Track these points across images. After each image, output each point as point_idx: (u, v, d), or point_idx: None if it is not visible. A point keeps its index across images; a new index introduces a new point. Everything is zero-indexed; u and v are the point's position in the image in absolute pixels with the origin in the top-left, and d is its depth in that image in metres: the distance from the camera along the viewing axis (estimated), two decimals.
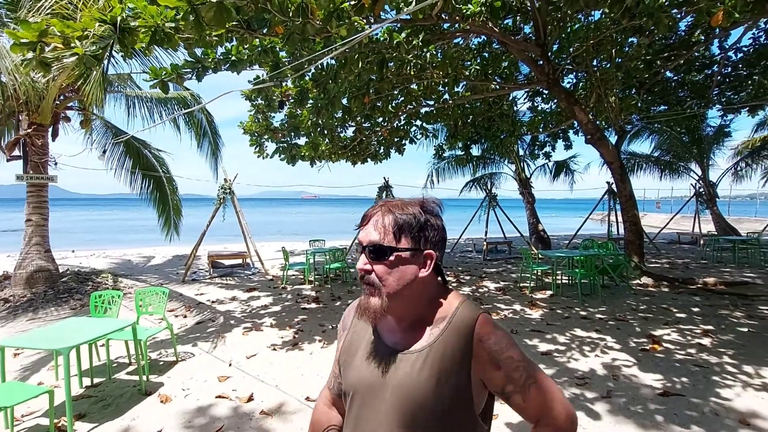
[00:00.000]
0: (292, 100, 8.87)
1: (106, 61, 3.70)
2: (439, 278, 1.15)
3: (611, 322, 5.52)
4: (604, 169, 15.74)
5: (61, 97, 8.28)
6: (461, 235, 14.72)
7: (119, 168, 10.19)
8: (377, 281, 1.07)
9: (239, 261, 10.78)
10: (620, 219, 10.60)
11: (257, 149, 10.06)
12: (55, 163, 8.08)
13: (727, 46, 9.32)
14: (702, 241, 14.57)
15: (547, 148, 15.19)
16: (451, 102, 9.73)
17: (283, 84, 8.05)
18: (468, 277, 9.00)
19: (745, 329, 5.16)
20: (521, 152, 15.61)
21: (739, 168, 15.39)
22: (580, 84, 11.00)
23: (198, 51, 5.44)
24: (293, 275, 9.40)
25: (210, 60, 5.56)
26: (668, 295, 7.02)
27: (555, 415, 1.04)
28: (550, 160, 15.93)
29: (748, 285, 7.64)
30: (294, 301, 7.08)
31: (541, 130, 12.96)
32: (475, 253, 13.23)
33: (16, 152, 7.69)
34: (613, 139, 10.25)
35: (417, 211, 1.07)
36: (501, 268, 10.29)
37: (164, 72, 5.34)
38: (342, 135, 10.57)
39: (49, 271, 7.62)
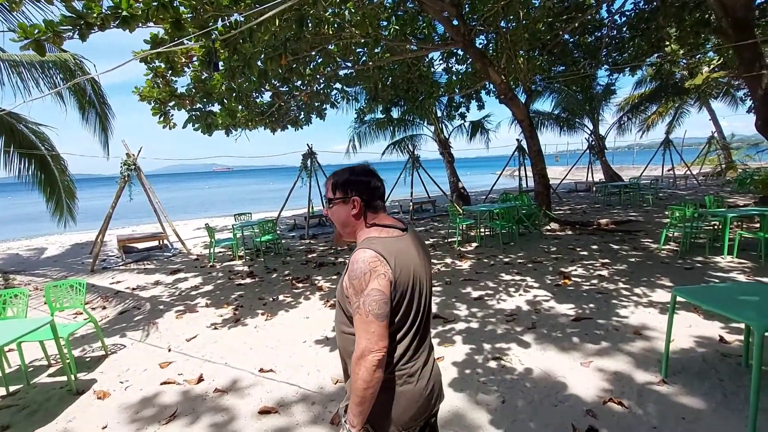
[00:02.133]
0: (196, 61, 8.07)
1: None
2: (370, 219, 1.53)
3: (529, 265, 6.21)
4: (513, 127, 17.01)
5: None
6: (387, 197, 15.08)
7: None
8: (332, 220, 1.58)
9: (155, 243, 9.95)
10: (530, 173, 11.66)
11: (161, 118, 9.08)
12: None
13: (613, 10, 10.38)
14: (594, 188, 16.68)
15: (462, 109, 15.90)
16: (370, 63, 9.64)
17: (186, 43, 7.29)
18: None
19: (633, 259, 6.16)
20: (439, 113, 16.13)
21: (622, 122, 17.61)
22: (491, 45, 11.54)
23: (78, 4, 4.65)
24: (220, 252, 8.96)
25: (95, 15, 4.80)
26: (572, 237, 8.04)
27: (357, 343, 1.33)
28: (465, 121, 16.72)
29: (632, 222, 9.03)
30: (227, 278, 6.81)
31: (456, 91, 13.46)
32: (402, 213, 13.69)
33: None
34: (522, 98, 11.03)
35: (347, 173, 1.52)
36: (428, 226, 10.83)
37: (37, 30, 4.51)
38: (258, 101, 9.99)
39: None
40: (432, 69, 12.61)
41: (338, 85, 10.85)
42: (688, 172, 17.94)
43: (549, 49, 10.79)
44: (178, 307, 5.46)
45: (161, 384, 3.45)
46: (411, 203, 12.64)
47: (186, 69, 8.18)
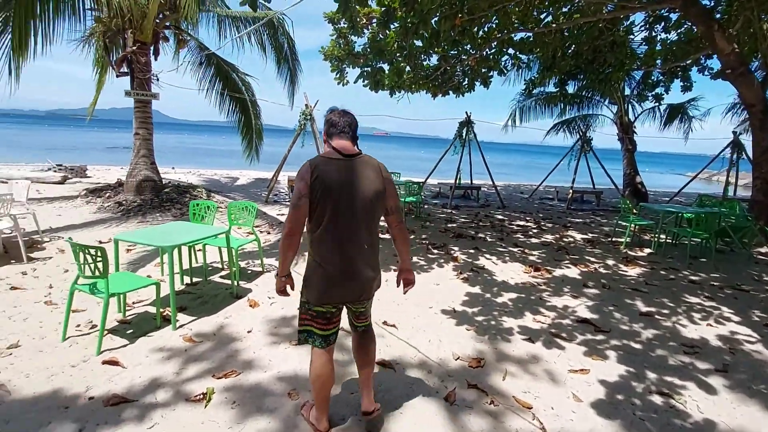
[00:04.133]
0: (375, 23, 8.31)
1: None
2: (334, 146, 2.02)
3: (728, 291, 4.79)
4: (728, 117, 13.31)
5: (161, 16, 8.52)
6: (542, 182, 13.69)
7: (210, 90, 10.60)
8: None
9: None
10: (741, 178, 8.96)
11: (338, 75, 9.76)
12: (157, 79, 8.55)
13: None
14: None
15: (660, 89, 13.05)
16: (554, 25, 8.47)
17: (368, 3, 7.49)
18: (550, 225, 8.38)
19: None
20: (627, 92, 13.62)
21: None
22: (720, 5, 8.94)
23: None
24: None
25: None
26: None
27: None
28: (661, 104, 13.78)
29: None
30: None
31: (658, 64, 11.03)
32: (558, 201, 12.28)
33: (124, 69, 8.19)
34: (758, 76, 8.37)
35: (328, 113, 2.10)
36: (588, 219, 9.44)
37: None
38: (425, 63, 9.87)
39: (154, 182, 8.40)
40: (630, 36, 10.53)
41: (511, 51, 9.97)
42: None
43: None
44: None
45: (297, 309, 3.76)
46: (570, 191, 11.18)
47: (365, 30, 8.55)
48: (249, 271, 4.78)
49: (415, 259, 5.57)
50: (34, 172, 10.94)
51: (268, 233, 6.65)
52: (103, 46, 8.29)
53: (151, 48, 8.51)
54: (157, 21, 8.27)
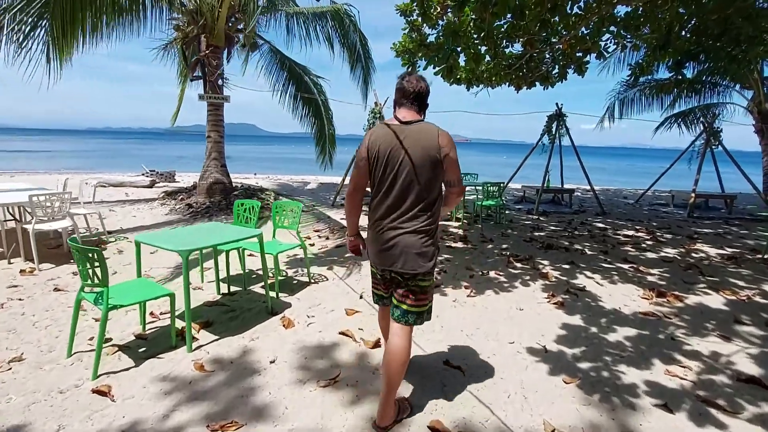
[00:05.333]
0: (450, 12, 7.44)
1: None
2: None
3: None
4: None
5: (233, 19, 8.59)
6: (652, 185, 11.50)
7: (284, 93, 10.57)
8: None
9: None
10: None
11: (409, 69, 9.04)
12: (227, 80, 8.61)
13: None
14: None
15: None
16: None
17: None
18: (669, 236, 6.67)
19: None
20: (767, 73, 10.96)
21: None
22: None
23: None
24: None
25: None
26: None
27: None
28: None
29: None
30: (439, 238, 6.23)
31: None
32: (673, 207, 10.13)
33: (198, 73, 8.35)
34: None
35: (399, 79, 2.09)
36: (720, 229, 7.45)
37: None
38: (507, 51, 8.69)
39: (224, 184, 8.41)
40: None
41: (613, 28, 8.37)
42: None
43: None
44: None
45: (339, 333, 3.02)
46: (693, 194, 9.07)
47: (440, 21, 7.71)
48: (295, 281, 4.19)
49: (492, 274, 4.54)
50: (130, 177, 11.86)
51: (327, 238, 6.09)
52: (182, 53, 8.54)
53: (224, 51, 8.60)
54: (229, 24, 8.32)
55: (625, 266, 4.94)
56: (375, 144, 1.94)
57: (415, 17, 8.11)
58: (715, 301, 3.92)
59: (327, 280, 4.26)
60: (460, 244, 5.83)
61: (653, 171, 11.30)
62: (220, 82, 8.49)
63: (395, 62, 8.14)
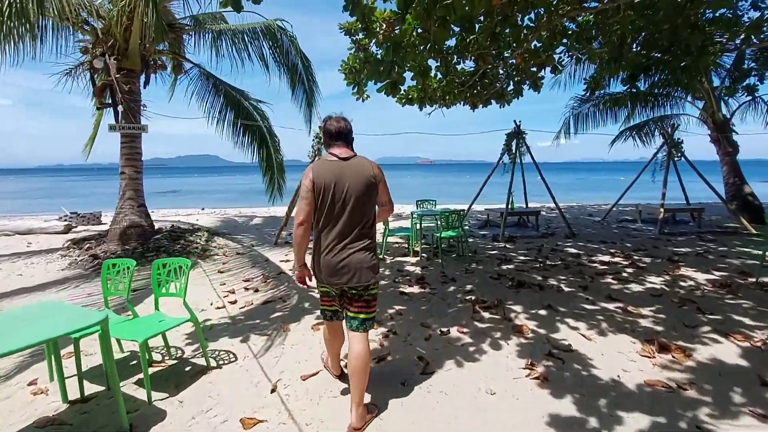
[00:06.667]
0: (397, 30, 6.74)
1: None
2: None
3: None
4: None
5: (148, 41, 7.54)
6: (618, 200, 11.11)
7: (221, 121, 9.52)
8: None
9: None
10: None
11: (355, 90, 8.23)
12: (145, 107, 7.46)
13: None
14: None
15: (752, 80, 10.27)
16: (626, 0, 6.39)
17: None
18: (649, 260, 6.00)
19: None
20: (717, 83, 11.04)
21: None
22: None
23: None
24: (395, 243, 7.61)
25: None
26: None
27: None
28: (756, 96, 11.08)
29: None
30: (392, 280, 5.25)
31: (755, 42, 8.51)
32: (641, 223, 9.70)
33: (109, 101, 7.17)
34: None
35: (324, 123, 2.39)
36: (697, 247, 6.90)
37: None
38: (459, 68, 8.07)
39: (142, 227, 7.13)
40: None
41: (565, 41, 7.94)
42: None
43: None
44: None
45: None
46: (661, 210, 8.63)
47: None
48: (187, 369, 3.04)
49: (453, 331, 3.58)
50: (48, 222, 10.26)
51: (256, 290, 4.96)
52: (90, 77, 7.35)
53: (142, 75, 7.50)
54: (145, 45, 7.25)
55: (611, 306, 4.12)
56: (320, 178, 2.21)
57: (360, 36, 7.32)
58: (728, 351, 3.11)
59: (235, 360, 3.15)
60: (416, 288, 4.86)
61: (611, 184, 10.94)
62: (140, 109, 7.35)
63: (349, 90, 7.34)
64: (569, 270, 5.53)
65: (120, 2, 6.04)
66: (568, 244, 7.40)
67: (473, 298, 4.42)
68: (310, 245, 2.40)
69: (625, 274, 5.28)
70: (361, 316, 2.31)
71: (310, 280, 2.39)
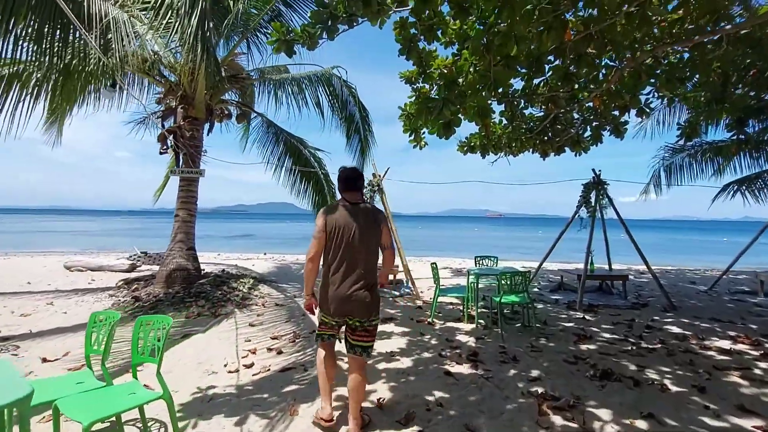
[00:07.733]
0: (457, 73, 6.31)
1: None
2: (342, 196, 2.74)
3: None
4: None
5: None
6: (729, 267, 9.10)
7: (279, 168, 9.65)
8: None
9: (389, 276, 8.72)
10: None
11: (412, 137, 7.80)
12: (205, 152, 7.66)
13: None
14: None
15: None
16: (729, 30, 5.25)
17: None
18: None
19: None
20: None
21: None
22: None
23: None
24: (449, 305, 6.67)
25: (339, 4, 3.47)
26: None
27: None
28: None
29: None
30: (437, 353, 4.34)
31: None
32: (765, 297, 7.71)
33: (169, 145, 7.48)
34: None
35: (340, 172, 2.80)
36: None
37: (288, 30, 3.61)
38: (527, 113, 7.34)
39: (188, 271, 7.02)
40: None
41: (653, 81, 6.85)
42: None
43: None
44: (344, 389, 3.34)
45: None
46: None
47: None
48: None
49: None
50: (118, 259, 10.85)
51: (280, 352, 4.34)
52: (161, 125, 7.79)
53: (206, 123, 7.80)
54: (210, 95, 7.58)
55: (746, 424, 2.84)
56: (332, 219, 2.61)
57: (421, 84, 6.96)
58: None
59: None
60: (466, 368, 3.90)
61: (711, 246, 9.02)
62: (201, 155, 7.58)
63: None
64: (674, 358, 4.20)
65: (187, 54, 6.37)
66: (668, 319, 5.90)
67: (540, 391, 3.36)
68: (319, 277, 2.70)
69: (758, 372, 3.85)
70: (362, 344, 2.63)
71: (317, 308, 2.72)
